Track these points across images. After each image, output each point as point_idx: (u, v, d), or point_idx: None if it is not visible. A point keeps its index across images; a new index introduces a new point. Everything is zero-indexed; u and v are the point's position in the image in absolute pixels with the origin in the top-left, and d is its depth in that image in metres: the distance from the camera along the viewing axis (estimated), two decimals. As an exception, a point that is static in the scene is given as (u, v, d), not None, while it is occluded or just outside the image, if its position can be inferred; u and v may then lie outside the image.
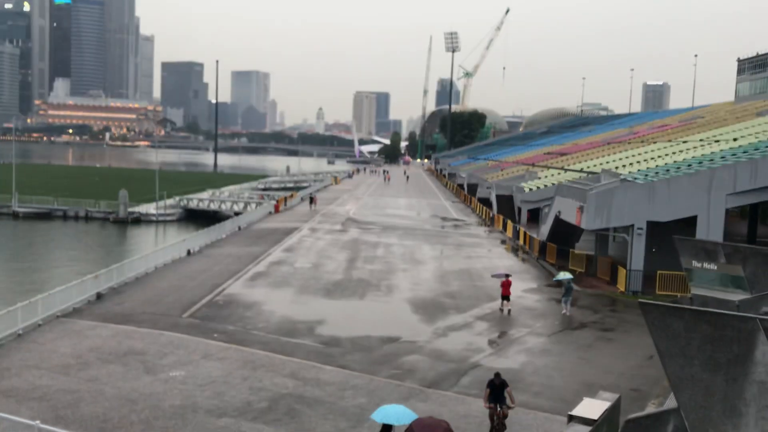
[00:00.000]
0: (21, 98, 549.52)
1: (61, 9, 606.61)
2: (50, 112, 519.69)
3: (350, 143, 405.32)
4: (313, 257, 37.85)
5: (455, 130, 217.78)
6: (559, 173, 63.37)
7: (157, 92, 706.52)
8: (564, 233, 39.37)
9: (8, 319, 21.92)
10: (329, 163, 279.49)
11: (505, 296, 26.72)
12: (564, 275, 27.92)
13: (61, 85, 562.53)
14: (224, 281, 30.65)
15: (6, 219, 68.78)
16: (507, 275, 27.39)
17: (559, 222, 38.01)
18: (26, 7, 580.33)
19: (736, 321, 14.04)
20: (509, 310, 26.41)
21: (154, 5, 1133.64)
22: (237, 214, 66.30)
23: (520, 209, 56.57)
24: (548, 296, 29.89)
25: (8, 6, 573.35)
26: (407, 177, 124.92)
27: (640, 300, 16.62)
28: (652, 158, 51.02)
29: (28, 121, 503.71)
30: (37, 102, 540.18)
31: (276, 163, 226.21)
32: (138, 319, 23.85)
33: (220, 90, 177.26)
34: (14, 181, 73.61)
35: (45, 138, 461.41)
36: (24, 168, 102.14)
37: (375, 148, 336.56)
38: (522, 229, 47.08)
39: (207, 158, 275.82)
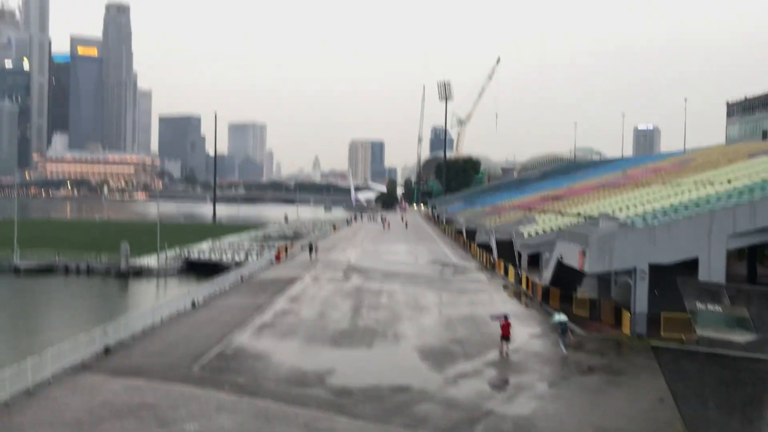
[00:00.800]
0: (20, 153, 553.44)
1: (60, 66, 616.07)
2: (48, 166, 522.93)
3: (346, 191, 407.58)
4: (317, 306, 37.97)
5: (451, 176, 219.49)
6: (556, 217, 63.87)
7: (154, 145, 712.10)
8: (566, 278, 39.62)
9: (19, 374, 21.99)
10: (326, 210, 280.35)
11: (505, 337, 27.32)
12: (559, 317, 28.69)
13: (59, 140, 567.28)
14: (231, 332, 30.73)
15: (7, 274, 68.72)
16: (506, 316, 28.12)
17: (561, 266, 38.29)
18: (26, 66, 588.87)
19: (750, 363, 14.31)
20: (507, 352, 26.92)
21: (151, 60, 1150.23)
22: (238, 264, 66.47)
23: (520, 254, 56.82)
24: (554, 341, 29.95)
25: (8, 65, 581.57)
26: (406, 223, 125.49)
27: (652, 343, 16.88)
28: (648, 201, 51.61)
29: (27, 175, 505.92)
30: (35, 157, 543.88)
31: (274, 213, 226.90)
32: (148, 372, 23.90)
33: (217, 142, 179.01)
34: (16, 236, 73.81)
35: (43, 192, 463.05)
36: (24, 223, 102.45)
37: (371, 195, 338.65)
38: (524, 274, 47.31)
39: (205, 209, 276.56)
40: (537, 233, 56.22)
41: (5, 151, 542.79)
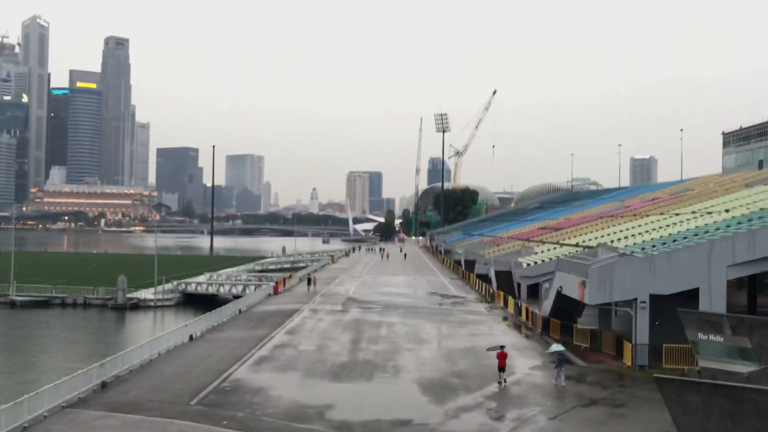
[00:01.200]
0: (17, 187, 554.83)
1: (59, 99, 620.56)
2: (46, 199, 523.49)
3: (344, 222, 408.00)
4: (316, 339, 37.70)
5: (448, 207, 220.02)
6: (554, 248, 63.91)
7: (152, 177, 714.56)
8: (566, 308, 39.47)
9: (14, 411, 21.70)
10: (324, 242, 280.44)
11: (502, 368, 27.57)
12: (556, 347, 28.74)
13: (57, 173, 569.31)
14: (229, 366, 30.44)
15: (3, 308, 68.30)
16: (502, 347, 28.34)
17: (561, 297, 38.15)
18: (24, 99, 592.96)
19: (754, 394, 14.17)
20: (505, 380, 27.25)
21: (149, 93, 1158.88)
22: (236, 296, 66.20)
23: (519, 285, 56.72)
24: (556, 373, 29.68)
25: (7, 98, 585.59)
26: (405, 255, 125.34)
27: (655, 375, 16.74)
28: (647, 231, 51.71)
29: (24, 209, 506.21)
30: (33, 190, 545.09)
31: (271, 244, 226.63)
32: (146, 408, 23.61)
33: (215, 174, 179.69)
34: (12, 268, 73.54)
35: (40, 225, 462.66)
36: (20, 256, 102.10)
37: (369, 226, 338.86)
38: (524, 305, 47.12)
39: (203, 241, 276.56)
40: (536, 264, 56.19)
41: (3, 184, 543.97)
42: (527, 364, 31.07)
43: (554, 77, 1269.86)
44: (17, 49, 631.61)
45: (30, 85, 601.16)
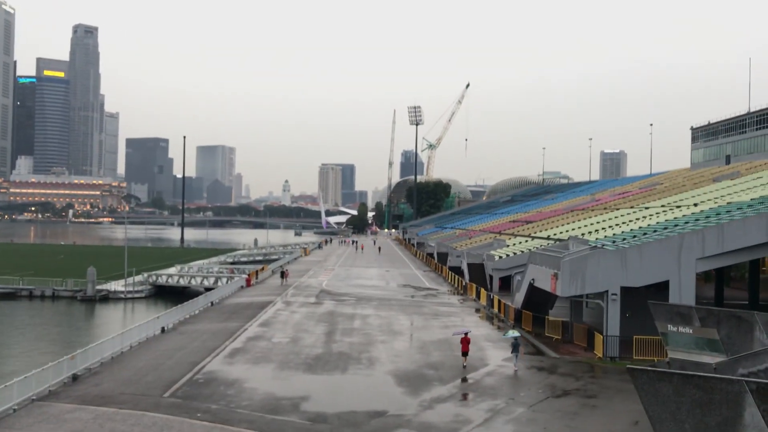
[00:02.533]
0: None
1: (26, 87, 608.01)
2: (12, 190, 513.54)
3: (317, 214, 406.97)
4: (290, 331, 37.60)
5: (421, 200, 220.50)
6: (526, 240, 64.47)
7: (121, 168, 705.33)
8: (538, 300, 39.87)
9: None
10: (296, 234, 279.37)
11: (465, 352, 29.17)
12: (512, 333, 30.39)
13: (23, 163, 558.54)
14: (203, 359, 30.23)
15: (-32, 300, 67.01)
16: (466, 332, 30.06)
17: (533, 289, 38.52)
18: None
19: (724, 384, 14.45)
20: (464, 366, 28.69)
21: (118, 83, 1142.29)
22: (208, 289, 65.73)
23: (491, 277, 57.12)
24: (528, 364, 30.04)
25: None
26: (379, 248, 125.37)
27: (628, 366, 16.97)
28: (617, 224, 52.41)
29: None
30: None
31: (243, 237, 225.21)
32: (118, 400, 23.36)
33: (183, 163, 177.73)
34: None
35: (6, 216, 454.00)
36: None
37: (342, 218, 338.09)
38: (496, 297, 47.48)
39: (173, 233, 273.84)
40: (508, 256, 56.63)
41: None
42: (500, 355, 31.32)
43: (527, 71, 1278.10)
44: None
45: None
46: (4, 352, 45.44)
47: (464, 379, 27.02)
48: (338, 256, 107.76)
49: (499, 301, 45.77)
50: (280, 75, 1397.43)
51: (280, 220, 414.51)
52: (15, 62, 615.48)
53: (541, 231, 68.76)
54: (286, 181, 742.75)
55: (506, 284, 55.13)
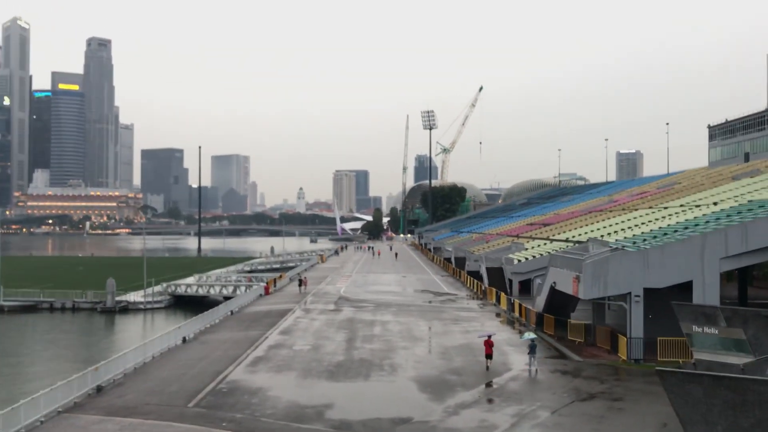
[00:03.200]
0: (0, 191, 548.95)
1: (41, 101, 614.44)
2: (29, 203, 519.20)
3: (332, 221, 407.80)
4: (310, 339, 37.59)
5: (436, 205, 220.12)
6: (544, 243, 64.14)
7: (137, 179, 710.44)
8: (560, 303, 39.59)
9: (11, 417, 21.50)
10: (312, 241, 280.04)
11: (488, 355, 29.56)
12: (528, 335, 30.54)
13: (40, 176, 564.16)
14: (225, 368, 30.27)
15: (-10, 313, 67.63)
16: (489, 335, 30.35)
17: (554, 292, 38.26)
18: (6, 101, 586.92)
19: (757, 385, 14.24)
20: (488, 368, 29.16)
21: (133, 95, 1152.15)
22: (226, 298, 65.97)
23: (510, 281, 56.84)
24: (552, 368, 29.84)
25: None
26: (395, 254, 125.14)
27: (657, 368, 16.79)
28: (636, 225, 52.00)
29: (7, 213, 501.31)
30: (16, 194, 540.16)
31: (259, 245, 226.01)
32: (143, 411, 23.43)
33: (199, 173, 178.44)
34: (0, 274, 72.82)
35: (24, 229, 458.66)
36: (6, 260, 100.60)
37: (357, 225, 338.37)
38: (516, 301, 47.23)
39: (190, 242, 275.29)
40: (527, 260, 56.36)
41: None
42: (523, 360, 31.07)
43: (541, 73, 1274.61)
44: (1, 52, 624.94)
45: (11, 87, 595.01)
46: (27, 365, 45.78)
47: (488, 384, 26.87)
48: (355, 262, 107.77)
49: (520, 305, 45.52)
50: (292, 83, 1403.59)
51: (296, 228, 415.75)
52: (30, 77, 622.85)
53: (559, 233, 68.40)
54: (301, 189, 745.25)
55: (526, 288, 54.83)
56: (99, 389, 27.11)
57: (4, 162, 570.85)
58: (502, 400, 24.48)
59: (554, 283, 37.47)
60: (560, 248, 52.13)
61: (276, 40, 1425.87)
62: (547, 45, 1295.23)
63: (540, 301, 41.55)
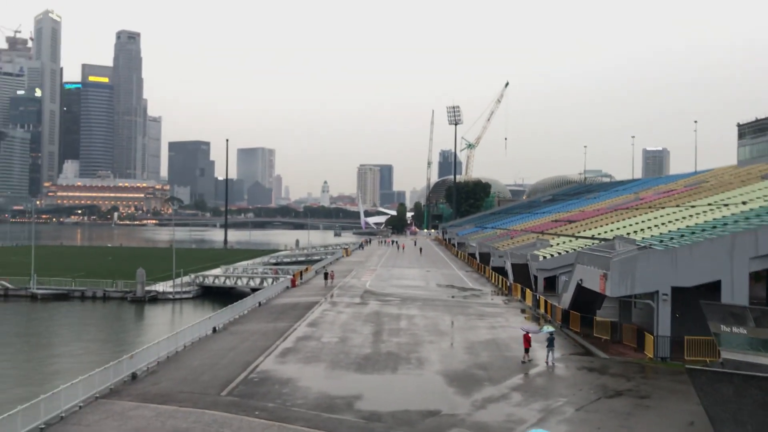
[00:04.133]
0: (31, 181, 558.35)
1: (71, 93, 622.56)
2: (59, 193, 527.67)
3: (356, 215, 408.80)
4: (338, 331, 38.11)
5: (460, 200, 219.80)
6: (570, 240, 63.98)
7: (164, 171, 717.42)
8: (585, 301, 39.67)
9: (51, 401, 22.25)
10: (336, 235, 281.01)
11: (526, 348, 30.68)
12: (547, 328, 31.55)
13: (70, 167, 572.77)
14: (255, 358, 30.89)
15: (25, 301, 69.22)
16: (527, 331, 31.52)
17: (580, 289, 38.36)
18: (38, 93, 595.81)
19: (787, 384, 14.38)
20: (523, 361, 30.06)
21: (161, 87, 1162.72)
22: (254, 289, 66.80)
23: (536, 277, 56.89)
24: (579, 365, 30.02)
25: (20, 92, 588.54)
26: (420, 248, 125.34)
27: (687, 366, 16.96)
28: (663, 223, 51.75)
29: (38, 203, 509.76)
30: (46, 184, 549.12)
31: (284, 237, 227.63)
32: (177, 398, 24.09)
33: (224, 166, 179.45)
34: (33, 262, 74.40)
35: (54, 219, 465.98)
36: (37, 249, 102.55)
37: (381, 219, 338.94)
38: (542, 298, 47.34)
39: (215, 234, 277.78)
40: (553, 256, 56.36)
41: (17, 178, 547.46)
42: (550, 356, 31.28)
43: (567, 69, 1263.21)
44: (30, 44, 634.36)
45: (43, 79, 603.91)
46: (62, 352, 46.88)
47: (517, 378, 27.13)
48: (379, 256, 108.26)
49: (545, 302, 45.64)
50: (318, 77, 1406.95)
51: (320, 221, 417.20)
52: (61, 69, 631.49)
53: (584, 230, 68.18)
54: (325, 182, 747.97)
55: (551, 284, 54.88)
56: (134, 377, 27.85)
57: (35, 153, 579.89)
58: (529, 395, 24.76)
59: (581, 280, 37.57)
60: (586, 245, 52.04)
61: (304, 37, 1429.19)
62: (573, 42, 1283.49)
63: (566, 298, 41.65)
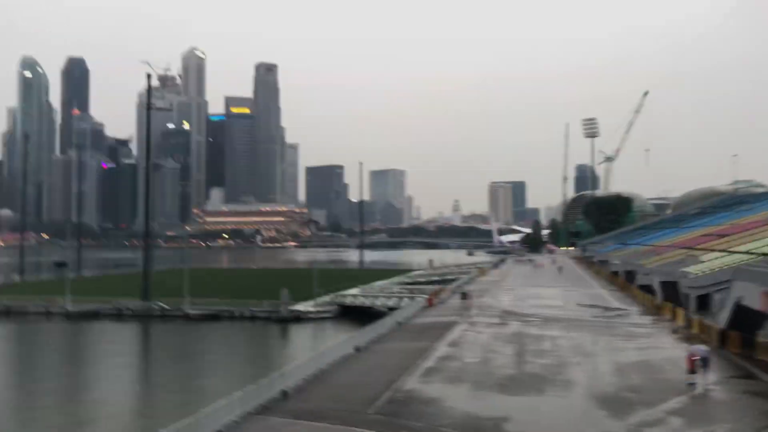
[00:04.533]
0: (181, 208, 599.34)
1: (215, 124, 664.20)
2: (207, 219, 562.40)
3: (488, 234, 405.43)
4: (479, 351, 37.75)
5: (600, 216, 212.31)
6: (723, 255, 59.90)
7: (301, 195, 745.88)
8: (745, 320, 36.93)
9: (213, 415, 23.49)
10: (469, 254, 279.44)
11: (691, 371, 28.54)
12: (700, 347, 29.38)
13: (216, 194, 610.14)
14: (398, 377, 31.16)
15: (179, 321, 73.85)
16: (694, 353, 28.83)
17: (739, 308, 35.80)
18: (186, 126, 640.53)
19: None
20: (689, 384, 27.97)
21: (297, 115, 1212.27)
22: (391, 309, 67.54)
23: (687, 295, 53.68)
24: (740, 389, 27.98)
25: (171, 126, 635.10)
26: (559, 267, 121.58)
27: None
28: (833, 236, 47.36)
29: (187, 228, 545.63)
30: (195, 211, 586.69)
31: (417, 257, 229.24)
32: (327, 416, 24.72)
33: (358, 188, 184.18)
34: (186, 285, 79.39)
35: (202, 243, 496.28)
36: (188, 272, 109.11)
37: (515, 237, 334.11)
38: (694, 317, 44.60)
39: (351, 255, 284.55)
40: (705, 273, 53.04)
41: (169, 205, 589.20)
42: (710, 378, 29.37)
43: (710, 76, 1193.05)
44: (178, 81, 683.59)
45: (190, 113, 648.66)
46: (214, 369, 49.57)
47: (673, 402, 25.65)
48: (516, 275, 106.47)
49: (699, 321, 42.95)
50: (445, 98, 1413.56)
51: (452, 240, 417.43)
52: (206, 102, 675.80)
53: (739, 245, 63.65)
54: (456, 201, 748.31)
55: (703, 303, 51.56)
56: (284, 394, 28.88)
57: (184, 181, 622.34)
58: (689, 420, 23.32)
59: (740, 297, 35.08)
60: (742, 261, 48.55)
61: (427, 63, 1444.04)
62: (718, 47, 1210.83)
63: (722, 317, 39.00)
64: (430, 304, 65.22)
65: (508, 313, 56.01)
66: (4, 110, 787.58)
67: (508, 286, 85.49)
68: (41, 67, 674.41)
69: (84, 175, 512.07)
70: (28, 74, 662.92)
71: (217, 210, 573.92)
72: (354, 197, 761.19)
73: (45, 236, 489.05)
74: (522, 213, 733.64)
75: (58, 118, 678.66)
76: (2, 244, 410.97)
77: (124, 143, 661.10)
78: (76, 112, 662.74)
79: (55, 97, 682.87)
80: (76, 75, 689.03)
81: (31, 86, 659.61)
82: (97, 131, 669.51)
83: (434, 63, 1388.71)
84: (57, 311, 78.91)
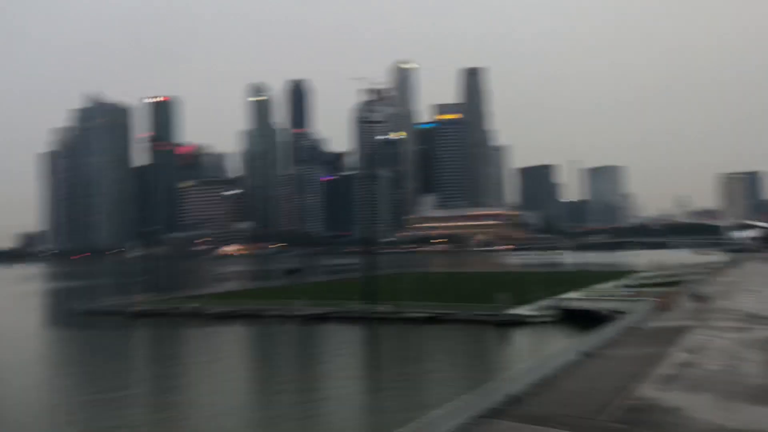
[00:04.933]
0: (394, 215, 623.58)
1: (424, 132, 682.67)
2: (419, 225, 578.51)
3: (719, 230, 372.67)
4: (721, 358, 34.76)
5: None
6: None
7: (513, 196, 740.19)
8: None
9: (447, 417, 24.08)
10: (699, 253, 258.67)
11: None
12: None
13: (427, 200, 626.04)
14: (629, 383, 29.65)
15: (400, 324, 76.34)
16: None
17: None
18: (401, 136, 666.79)
19: None
20: None
21: (507, 116, 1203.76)
22: (616, 313, 64.39)
23: None
24: None
25: (383, 137, 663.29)
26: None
27: None
28: None
29: (403, 234, 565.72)
30: (408, 217, 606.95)
31: (640, 258, 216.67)
32: (558, 421, 24.17)
33: (573, 188, 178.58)
34: (406, 289, 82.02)
35: (416, 248, 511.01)
36: (406, 276, 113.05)
37: (753, 233, 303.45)
38: None
39: (567, 257, 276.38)
40: None
41: (385, 213, 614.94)
42: None
43: None
44: (390, 93, 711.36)
45: (402, 123, 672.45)
46: (440, 371, 50.53)
47: None
48: (758, 275, 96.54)
49: None
50: (662, 83, 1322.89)
51: (677, 239, 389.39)
52: (416, 111, 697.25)
53: None
54: (681, 197, 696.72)
55: None
56: (510, 398, 28.70)
57: (399, 189, 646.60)
58: None
59: None
60: None
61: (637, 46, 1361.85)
62: None
63: None
64: (660, 307, 61.34)
65: (753, 316, 50.97)
66: (237, 133, 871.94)
67: (750, 287, 77.84)
68: (267, 91, 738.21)
69: (309, 188, 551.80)
70: (256, 98, 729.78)
71: (429, 216, 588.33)
72: (568, 197, 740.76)
73: (277, 245, 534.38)
74: (758, 206, 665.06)
75: (284, 136, 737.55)
76: (245, 253, 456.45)
77: (341, 156, 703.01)
78: (299, 130, 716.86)
79: (280, 116, 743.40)
80: (297, 95, 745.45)
81: (259, 109, 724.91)
82: (317, 146, 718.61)
83: (644, 52, 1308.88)
84: (291, 314, 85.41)
